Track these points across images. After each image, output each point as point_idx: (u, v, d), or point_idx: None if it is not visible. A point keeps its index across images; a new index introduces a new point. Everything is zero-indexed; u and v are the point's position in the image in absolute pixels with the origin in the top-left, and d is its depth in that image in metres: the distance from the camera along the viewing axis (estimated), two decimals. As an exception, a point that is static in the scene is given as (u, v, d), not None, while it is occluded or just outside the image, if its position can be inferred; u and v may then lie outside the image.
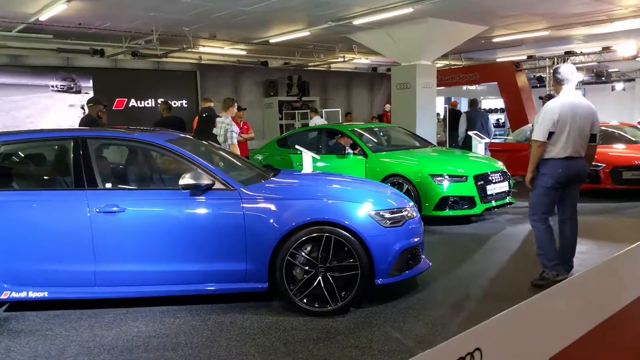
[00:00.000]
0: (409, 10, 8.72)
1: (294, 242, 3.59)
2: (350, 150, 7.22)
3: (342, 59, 14.51)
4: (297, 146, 6.86)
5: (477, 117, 10.01)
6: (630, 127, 9.65)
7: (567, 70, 4.12)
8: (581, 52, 14.00)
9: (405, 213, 3.96)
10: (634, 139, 8.91)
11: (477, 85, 18.90)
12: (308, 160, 6.41)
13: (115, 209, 3.47)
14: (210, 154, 4.45)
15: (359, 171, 7.11)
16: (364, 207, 3.76)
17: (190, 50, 13.21)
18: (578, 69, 18.05)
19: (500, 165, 6.95)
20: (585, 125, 4.05)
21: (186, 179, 3.46)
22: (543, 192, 4.16)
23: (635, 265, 2.05)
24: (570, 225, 4.26)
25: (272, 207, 3.67)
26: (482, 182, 6.44)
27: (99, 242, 3.46)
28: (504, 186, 6.70)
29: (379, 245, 3.71)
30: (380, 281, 3.72)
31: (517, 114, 14.15)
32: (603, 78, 16.72)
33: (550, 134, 4.01)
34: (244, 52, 13.91)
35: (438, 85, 16.24)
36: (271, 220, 3.60)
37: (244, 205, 3.61)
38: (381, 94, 19.16)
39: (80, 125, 7.47)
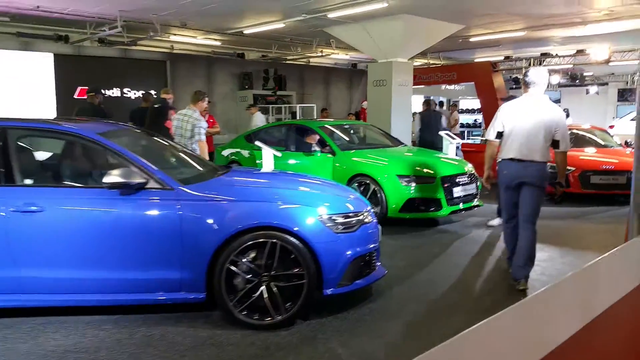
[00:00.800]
0: (383, 4, 8.47)
1: (236, 247, 3.30)
2: (317, 148, 6.94)
3: (320, 54, 14.21)
4: (257, 142, 6.51)
5: (430, 118, 9.82)
6: (601, 131, 9.60)
7: (535, 74, 4.06)
8: (556, 54, 13.98)
9: (360, 217, 3.71)
10: (603, 143, 8.84)
11: (455, 85, 18.83)
12: (269, 157, 6.09)
13: (33, 208, 3.12)
14: (152, 149, 4.12)
15: (326, 170, 6.85)
16: (316, 211, 3.49)
17: (160, 38, 12.77)
18: (554, 71, 18.09)
19: (469, 167, 6.76)
20: (539, 129, 3.92)
21: (112, 177, 3.13)
22: (500, 192, 4.23)
23: (585, 289, 1.83)
24: (522, 232, 4.04)
25: (214, 208, 3.37)
26: (449, 184, 6.24)
27: (15, 246, 3.11)
28: (471, 188, 6.51)
29: (329, 252, 3.45)
30: (330, 291, 3.46)
31: (493, 115, 14.06)
32: (577, 81, 16.80)
33: (501, 134, 4.09)
34: (218, 43, 13.50)
35: (417, 84, 16.07)
36: (211, 222, 3.30)
37: (181, 206, 3.30)
38: (360, 91, 18.93)
39: (80, 114, 6.95)
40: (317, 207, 3.53)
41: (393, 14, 9.57)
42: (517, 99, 4.12)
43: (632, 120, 13.88)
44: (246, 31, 11.33)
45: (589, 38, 12.66)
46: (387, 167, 6.33)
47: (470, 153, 9.69)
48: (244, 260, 3.35)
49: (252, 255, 3.40)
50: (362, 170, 6.46)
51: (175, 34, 12.53)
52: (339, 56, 15.65)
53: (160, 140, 4.49)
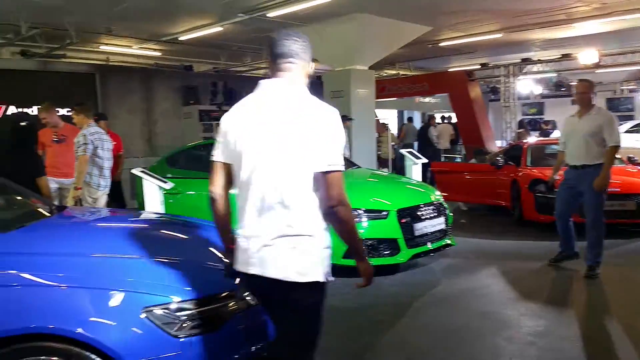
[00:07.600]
0: (326, -1, 7.08)
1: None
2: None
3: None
4: (134, 170, 4.65)
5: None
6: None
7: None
8: (539, 60, 12.70)
9: (233, 300, 2.13)
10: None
11: (430, 98, 17.52)
12: (152, 192, 4.39)
13: None
14: None
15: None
16: (142, 299, 1.93)
17: (89, 49, 11.20)
18: (537, 81, 16.57)
19: (435, 195, 5.22)
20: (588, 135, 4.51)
21: None
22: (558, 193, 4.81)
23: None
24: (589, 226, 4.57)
25: None
26: (408, 219, 4.67)
27: None
28: (438, 223, 4.93)
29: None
30: None
31: (470, 128, 12.70)
32: (563, 89, 15.49)
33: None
34: (158, 53, 11.98)
35: (385, 97, 14.71)
36: None
37: None
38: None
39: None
40: (145, 292, 1.96)
41: (344, 14, 8.20)
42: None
43: (627, 132, 12.39)
44: (182, 37, 9.81)
45: (571, 41, 11.41)
46: (324, 199, 4.75)
47: (444, 175, 8.20)
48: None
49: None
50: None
51: (106, 44, 11.00)
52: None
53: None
